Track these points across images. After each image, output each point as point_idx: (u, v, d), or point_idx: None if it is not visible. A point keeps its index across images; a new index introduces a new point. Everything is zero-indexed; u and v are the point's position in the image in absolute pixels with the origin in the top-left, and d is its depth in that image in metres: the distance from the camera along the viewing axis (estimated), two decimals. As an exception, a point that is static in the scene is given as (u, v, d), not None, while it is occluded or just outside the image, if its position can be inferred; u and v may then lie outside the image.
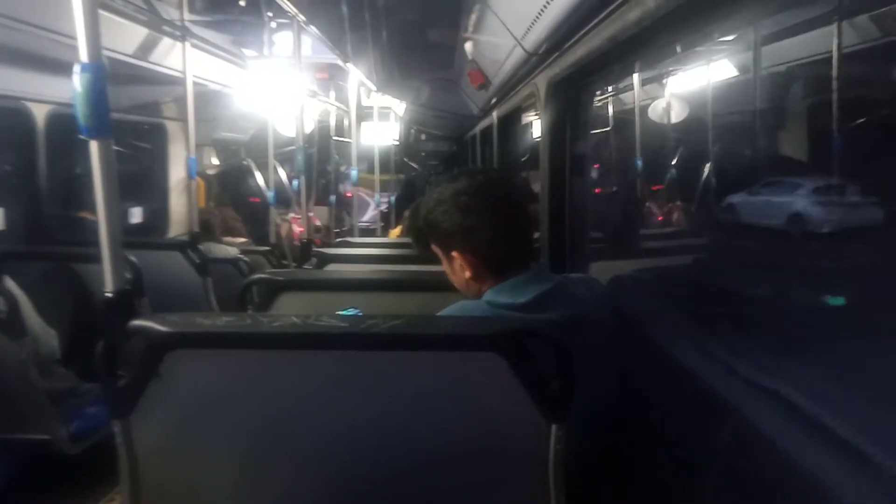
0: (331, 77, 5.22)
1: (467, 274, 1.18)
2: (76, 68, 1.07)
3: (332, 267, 2.15)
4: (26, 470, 1.93)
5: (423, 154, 8.24)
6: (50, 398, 2.11)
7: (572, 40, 1.42)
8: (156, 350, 0.99)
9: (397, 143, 7.41)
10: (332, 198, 6.52)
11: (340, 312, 1.35)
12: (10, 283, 2.17)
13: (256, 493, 1.08)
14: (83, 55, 1.08)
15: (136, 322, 1.00)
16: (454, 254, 1.19)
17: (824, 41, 2.75)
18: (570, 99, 1.66)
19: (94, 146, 1.09)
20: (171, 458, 1.08)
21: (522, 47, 1.72)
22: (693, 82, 3.97)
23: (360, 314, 1.14)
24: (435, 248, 1.25)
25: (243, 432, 1.05)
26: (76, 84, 1.07)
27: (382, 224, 6.65)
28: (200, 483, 1.08)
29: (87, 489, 2.22)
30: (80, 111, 1.07)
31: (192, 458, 1.08)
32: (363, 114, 5.95)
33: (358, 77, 4.43)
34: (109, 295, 1.10)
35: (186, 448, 1.07)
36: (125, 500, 1.07)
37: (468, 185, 1.16)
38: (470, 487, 1.03)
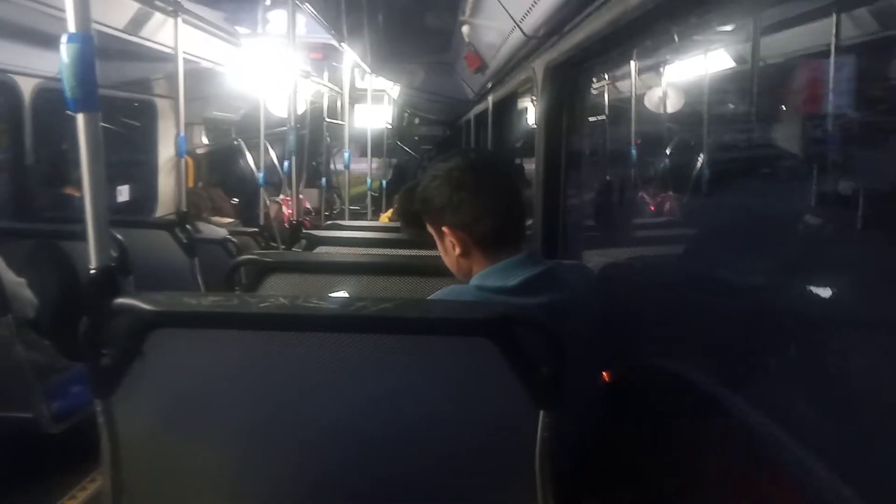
0: (325, 57, 5.15)
1: (457, 251, 1.19)
2: (63, 38, 1.04)
3: (321, 249, 2.13)
4: (8, 448, 1.91)
5: (416, 138, 8.19)
6: (33, 376, 2.08)
7: (572, 24, 1.40)
8: (140, 329, 0.97)
9: (390, 126, 7.35)
10: (323, 180, 6.48)
11: (332, 295, 1.33)
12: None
13: (240, 474, 1.07)
14: (71, 25, 1.04)
15: (121, 300, 0.98)
16: (445, 229, 1.19)
17: (823, 33, 2.74)
18: (568, 84, 1.64)
19: (80, 120, 1.06)
20: (154, 438, 1.06)
21: (521, 30, 1.70)
22: (690, 72, 3.96)
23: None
24: (429, 227, 1.25)
25: (228, 413, 1.04)
26: (63, 55, 1.04)
27: (373, 208, 6.62)
28: (183, 464, 1.07)
29: (69, 469, 2.21)
30: (67, 83, 1.04)
31: (175, 439, 1.06)
32: (357, 96, 5.89)
33: (352, 58, 4.38)
34: (94, 272, 1.07)
35: (170, 429, 1.06)
36: (107, 480, 1.06)
37: (461, 162, 1.18)
38: (456, 471, 1.03)
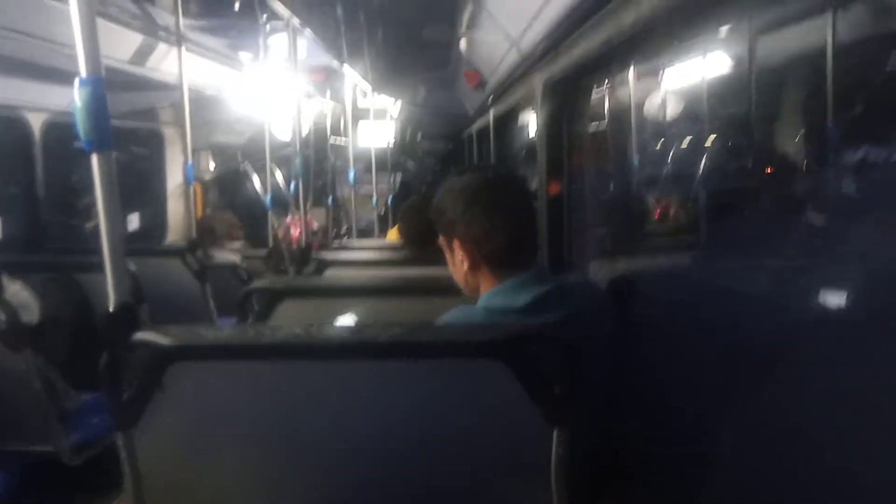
0: (327, 78, 5.20)
1: (465, 265, 1.20)
2: (76, 83, 1.07)
3: (331, 271, 2.15)
4: (29, 482, 1.93)
5: (420, 153, 8.23)
6: (51, 409, 2.11)
7: (568, 40, 1.42)
8: (159, 362, 0.99)
9: (395, 142, 7.40)
10: (330, 199, 6.51)
11: (342, 319, 1.35)
12: (10, 294, 2.16)
13: (259, 501, 1.08)
14: (82, 69, 1.07)
15: (139, 335, 1.00)
16: (455, 242, 1.20)
17: (818, 33, 2.75)
18: (567, 98, 1.66)
19: (95, 159, 1.09)
20: (174, 469, 1.08)
21: (518, 48, 1.72)
22: (689, 76, 3.97)
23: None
24: (440, 239, 1.26)
25: (246, 442, 1.05)
26: (76, 99, 1.06)
27: (380, 225, 6.64)
28: (204, 493, 1.09)
29: (89, 500, 2.22)
30: (81, 125, 1.06)
31: (195, 469, 1.08)
32: (359, 114, 5.94)
33: (354, 78, 4.43)
34: (112, 308, 1.10)
35: (190, 459, 1.08)
36: (129, 511, 1.07)
37: (478, 178, 1.20)
38: (473, 493, 1.04)
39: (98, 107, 1.08)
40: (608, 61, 1.42)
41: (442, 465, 1.02)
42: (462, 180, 1.21)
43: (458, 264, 1.23)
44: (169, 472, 1.08)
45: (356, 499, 1.04)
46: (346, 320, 1.60)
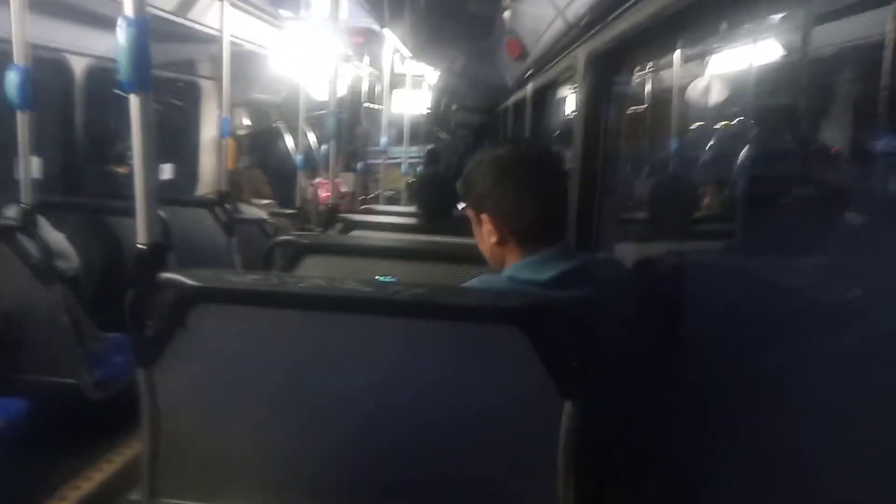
0: (366, 42, 5.17)
1: (493, 239, 1.18)
2: (120, 22, 1.07)
3: (356, 233, 2.16)
4: (52, 411, 2.00)
5: (453, 125, 8.17)
6: (78, 344, 2.17)
7: (615, 13, 1.38)
8: (183, 303, 1.01)
9: (429, 111, 7.35)
10: (360, 164, 6.52)
11: (378, 278, 1.36)
12: (45, 231, 2.22)
13: (272, 447, 1.10)
14: (128, 9, 1.08)
15: (166, 275, 1.02)
16: (483, 216, 1.19)
17: (878, 22, 2.63)
18: (610, 74, 1.62)
19: (134, 101, 1.10)
20: (192, 408, 1.11)
21: (564, 18, 1.68)
22: (737, 63, 3.85)
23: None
24: (469, 211, 1.25)
25: (263, 388, 1.07)
26: (120, 38, 1.07)
27: (408, 193, 6.64)
28: (219, 434, 1.11)
29: (109, 435, 2.30)
30: (123, 65, 1.07)
31: (212, 410, 1.10)
32: (396, 81, 5.90)
33: (393, 43, 4.39)
34: (141, 247, 1.12)
35: (207, 400, 1.10)
36: (145, 445, 1.10)
37: (511, 152, 1.18)
38: (481, 455, 1.04)
39: (140, 48, 1.08)
40: (654, 36, 1.37)
41: (453, 425, 1.03)
42: (494, 154, 1.19)
43: (485, 238, 1.22)
44: (186, 411, 1.10)
45: (366, 449, 1.06)
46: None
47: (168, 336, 1.03)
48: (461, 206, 2.62)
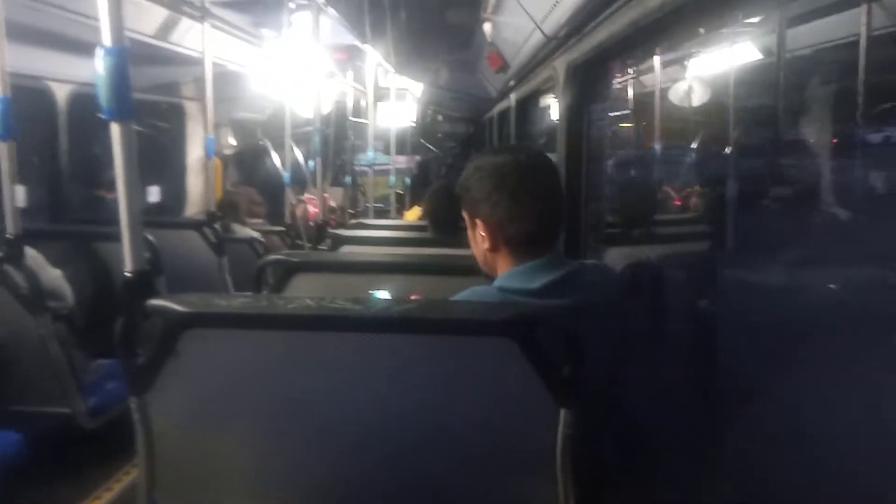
0: (349, 58, 5.19)
1: (486, 245, 1.19)
2: (99, 52, 1.08)
3: (346, 249, 2.16)
4: (45, 442, 1.98)
5: (439, 136, 8.20)
6: (70, 373, 2.16)
7: (593, 24, 1.40)
8: (173, 329, 1.01)
9: (415, 125, 7.37)
10: (348, 179, 6.52)
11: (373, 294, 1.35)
12: (32, 260, 2.20)
13: (270, 471, 1.10)
14: (106, 39, 1.08)
15: (155, 301, 1.01)
16: (477, 221, 1.19)
17: (852, 23, 2.68)
18: (590, 83, 1.64)
19: (115, 129, 1.10)
20: (187, 434, 1.10)
21: (542, 31, 1.70)
22: (716, 65, 3.90)
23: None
24: (464, 214, 1.25)
25: (258, 411, 1.07)
26: (98, 68, 1.07)
27: (397, 206, 6.64)
28: (215, 459, 1.11)
29: (105, 462, 2.28)
30: (103, 94, 1.07)
31: (207, 435, 1.10)
32: (380, 94, 5.92)
33: (376, 58, 4.41)
34: (129, 275, 1.11)
35: (202, 425, 1.09)
36: (142, 472, 1.10)
37: (508, 160, 1.17)
38: (479, 467, 1.04)
39: (120, 77, 1.09)
40: (632, 46, 1.39)
41: (449, 440, 1.03)
42: (493, 160, 1.19)
43: (478, 242, 1.22)
44: (181, 437, 1.10)
45: (364, 470, 1.05)
46: (370, 295, 1.60)
47: (159, 363, 1.03)
48: None
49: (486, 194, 1.16)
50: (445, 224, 2.40)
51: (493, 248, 1.19)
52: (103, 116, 1.11)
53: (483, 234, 1.18)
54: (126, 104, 1.09)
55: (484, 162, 1.20)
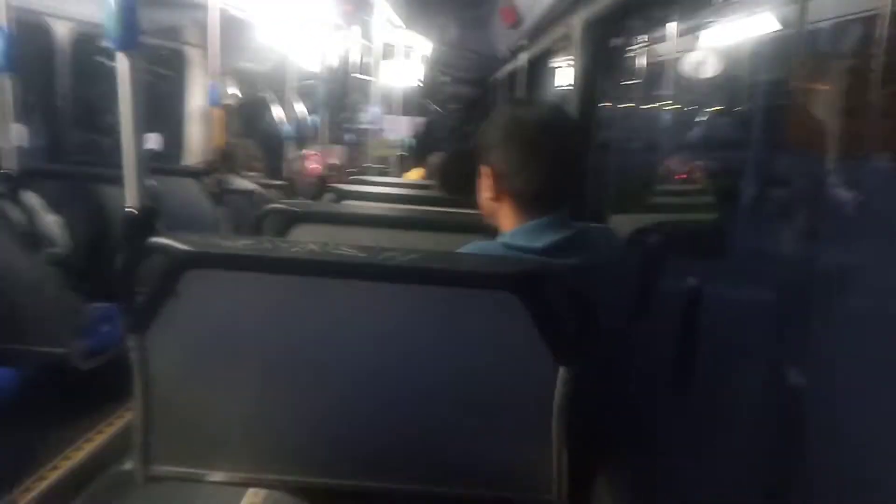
0: (356, 10, 5.07)
1: (489, 193, 1.18)
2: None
3: (347, 203, 2.14)
4: (43, 382, 1.99)
5: (444, 97, 8.09)
6: (66, 314, 2.15)
7: (614, -23, 1.35)
8: (174, 268, 0.99)
9: (421, 84, 7.25)
10: (349, 136, 6.44)
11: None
12: (30, 199, 2.18)
13: (267, 415, 1.10)
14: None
15: (156, 239, 1.00)
16: (487, 168, 1.18)
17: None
18: (606, 42, 1.60)
19: (121, 60, 1.07)
20: (184, 376, 1.09)
21: (560, -17, 1.65)
22: (731, 36, 3.82)
23: None
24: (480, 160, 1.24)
25: (256, 355, 1.07)
26: (108, -6, 1.04)
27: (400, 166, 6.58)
28: (212, 402, 1.10)
29: (99, 403, 2.30)
30: (110, 22, 1.04)
31: (204, 378, 1.10)
32: (386, 52, 5.81)
33: (384, 12, 4.31)
34: (131, 210, 1.10)
35: (199, 366, 1.09)
36: (137, 414, 1.09)
37: (525, 113, 1.16)
38: (475, 420, 1.05)
39: (128, 4, 1.05)
40: (651, 2, 1.35)
41: (447, 391, 1.03)
42: (513, 110, 1.18)
43: (484, 188, 1.21)
44: (178, 378, 1.09)
45: (360, 417, 1.06)
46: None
47: (159, 303, 1.02)
48: None
49: (496, 141, 1.15)
50: (460, 188, 2.38)
51: (496, 198, 1.17)
52: (107, 56, 1.08)
53: (488, 181, 1.17)
54: (133, 34, 1.06)
55: (504, 111, 1.19)
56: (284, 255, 0.99)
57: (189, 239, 1.00)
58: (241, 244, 1.00)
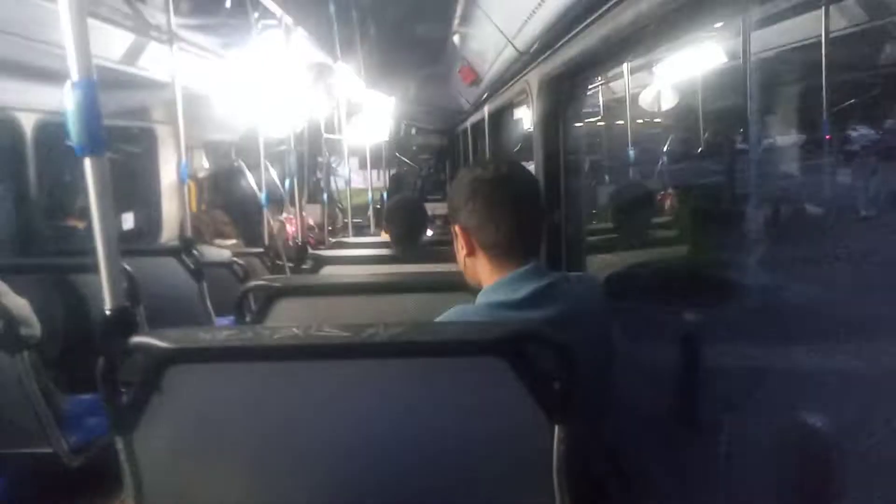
0: (320, 75, 5.18)
1: (464, 251, 1.24)
2: (67, 86, 1.06)
3: (328, 269, 2.15)
4: (29, 484, 1.93)
5: (414, 148, 8.22)
6: (49, 411, 2.10)
7: (565, 39, 1.41)
8: (157, 366, 0.99)
9: (388, 140, 7.37)
10: (325, 195, 6.49)
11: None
12: (4, 297, 2.15)
13: (258, 500, 1.08)
14: (73, 72, 1.06)
15: (137, 339, 0.99)
16: (457, 228, 1.24)
17: (813, 25, 2.76)
18: (563, 95, 1.65)
19: (88, 163, 1.08)
20: (174, 470, 1.08)
21: (514, 46, 1.72)
22: (683, 70, 3.96)
23: None
24: (452, 228, 1.29)
25: (246, 444, 1.05)
26: (67, 102, 1.05)
27: (375, 220, 6.62)
28: (205, 493, 1.08)
29: (90, 501, 2.22)
30: (73, 129, 1.05)
31: (195, 471, 1.08)
32: (353, 110, 5.92)
33: (347, 74, 4.41)
34: (109, 311, 1.09)
35: (190, 461, 1.07)
36: (130, 512, 1.07)
37: (487, 171, 1.22)
38: (476, 489, 1.04)
39: (90, 110, 1.07)
40: (605, 59, 1.41)
41: (444, 464, 1.02)
42: (472, 171, 1.24)
43: (459, 251, 1.26)
44: (169, 474, 1.07)
45: (356, 495, 1.04)
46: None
47: (144, 401, 1.01)
48: (430, 232, 2.62)
49: (463, 201, 1.21)
50: (406, 238, 2.42)
51: (471, 254, 1.23)
52: (76, 154, 1.09)
53: (462, 241, 1.23)
54: (98, 137, 1.07)
55: (464, 173, 1.26)
56: (267, 342, 0.99)
57: (169, 335, 1.00)
58: (222, 335, 1.00)
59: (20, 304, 2.25)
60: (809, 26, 2.75)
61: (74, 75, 1.05)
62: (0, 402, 2.03)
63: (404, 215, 2.51)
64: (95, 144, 1.07)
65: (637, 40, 1.20)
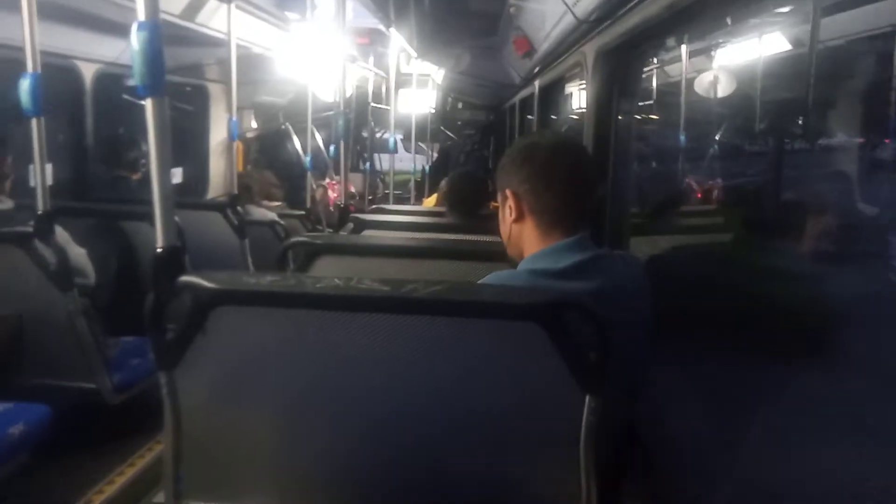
0: (371, 42, 5.18)
1: (512, 217, 1.22)
2: (134, 27, 1.08)
3: (368, 233, 2.17)
4: (73, 416, 2.02)
5: (458, 123, 8.18)
6: (95, 349, 2.19)
7: (626, 8, 1.38)
8: (203, 306, 1.01)
9: (434, 111, 7.34)
10: (367, 165, 6.53)
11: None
12: (60, 237, 2.24)
13: (294, 448, 1.11)
14: (140, 13, 1.09)
15: (185, 278, 1.02)
16: (508, 192, 1.22)
17: (887, 14, 2.62)
18: (619, 69, 1.62)
19: (149, 104, 1.11)
20: (212, 410, 1.11)
21: (573, 13, 1.68)
22: (743, 56, 3.83)
23: None
24: (498, 195, 1.28)
25: (283, 389, 1.08)
26: (133, 42, 1.08)
27: (416, 193, 6.66)
28: (240, 435, 1.12)
29: (130, 438, 2.33)
30: (137, 69, 1.08)
31: (233, 412, 1.11)
32: (402, 80, 5.91)
33: (399, 43, 4.39)
34: (160, 251, 1.13)
35: (228, 401, 1.11)
36: (168, 447, 1.11)
37: (543, 140, 1.23)
38: (502, 451, 1.05)
39: (154, 52, 1.09)
40: (665, 30, 1.37)
41: (471, 423, 1.03)
42: (528, 140, 1.25)
43: (505, 217, 1.24)
44: (207, 412, 1.11)
45: (386, 449, 1.06)
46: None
47: (188, 339, 1.04)
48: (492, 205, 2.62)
49: (519, 163, 1.20)
50: (464, 207, 2.41)
51: (519, 219, 1.21)
52: (131, 95, 1.12)
53: (511, 204, 1.21)
54: (159, 80, 1.10)
55: (520, 142, 1.26)
56: (309, 290, 1.01)
57: (216, 277, 1.02)
58: (266, 281, 1.02)
59: (79, 253, 2.35)
60: (884, 14, 2.62)
61: (141, 15, 1.08)
62: (51, 336, 2.12)
63: (465, 184, 2.52)
64: (157, 86, 1.09)
65: (699, 10, 1.16)
